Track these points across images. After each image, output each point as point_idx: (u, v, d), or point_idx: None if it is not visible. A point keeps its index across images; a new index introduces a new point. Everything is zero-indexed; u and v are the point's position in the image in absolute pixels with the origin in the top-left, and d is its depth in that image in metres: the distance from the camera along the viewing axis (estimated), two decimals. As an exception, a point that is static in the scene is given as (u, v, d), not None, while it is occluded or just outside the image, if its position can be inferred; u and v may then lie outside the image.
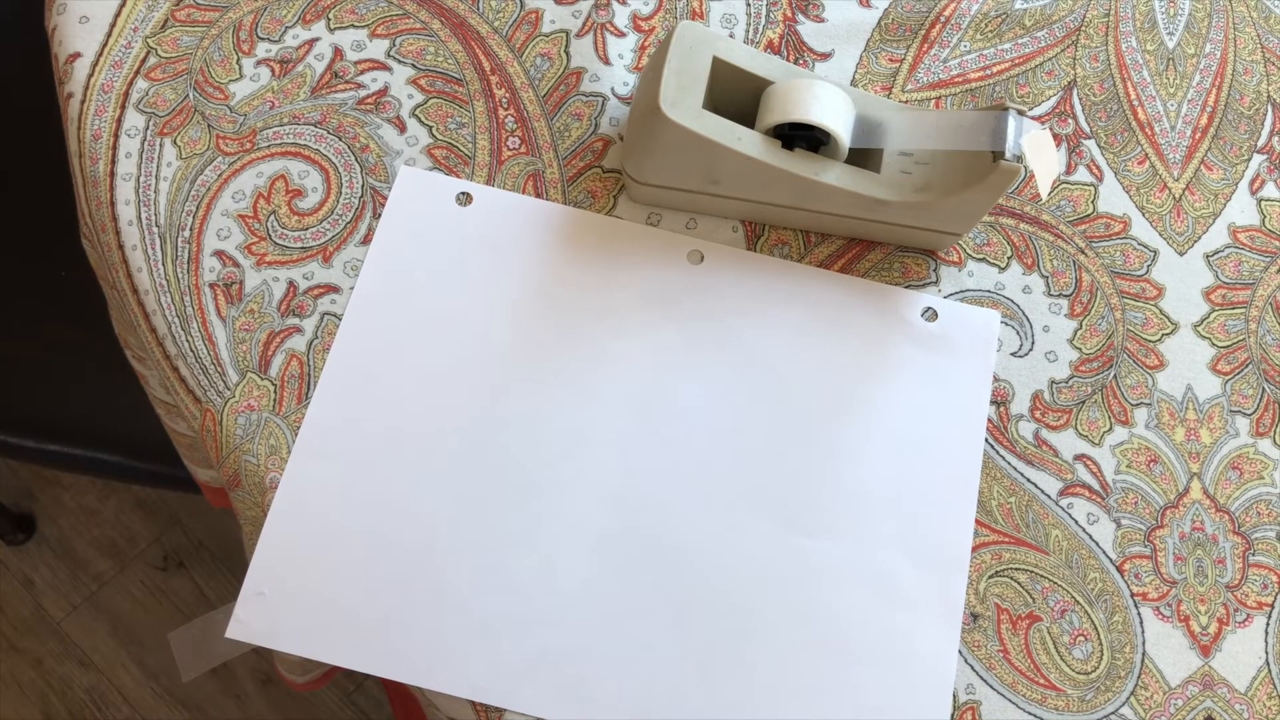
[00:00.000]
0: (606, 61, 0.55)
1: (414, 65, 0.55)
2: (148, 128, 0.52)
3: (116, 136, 0.52)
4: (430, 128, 0.53)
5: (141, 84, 0.53)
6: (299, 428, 0.47)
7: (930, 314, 0.52)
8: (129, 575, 1.20)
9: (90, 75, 0.53)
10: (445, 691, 0.44)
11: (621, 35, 0.56)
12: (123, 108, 0.53)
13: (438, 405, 0.48)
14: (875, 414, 0.50)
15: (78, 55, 0.54)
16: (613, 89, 0.55)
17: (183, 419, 0.58)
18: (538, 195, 0.52)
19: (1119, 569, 0.48)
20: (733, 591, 0.46)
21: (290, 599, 0.45)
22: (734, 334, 0.50)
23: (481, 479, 0.47)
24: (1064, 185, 0.55)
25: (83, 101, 0.53)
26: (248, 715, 1.15)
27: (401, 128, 0.53)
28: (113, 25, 0.54)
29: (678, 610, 0.46)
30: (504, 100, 0.54)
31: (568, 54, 0.55)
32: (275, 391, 0.48)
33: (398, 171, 0.52)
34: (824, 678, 0.46)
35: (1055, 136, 0.56)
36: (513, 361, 0.49)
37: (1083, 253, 0.54)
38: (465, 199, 0.52)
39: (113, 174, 0.52)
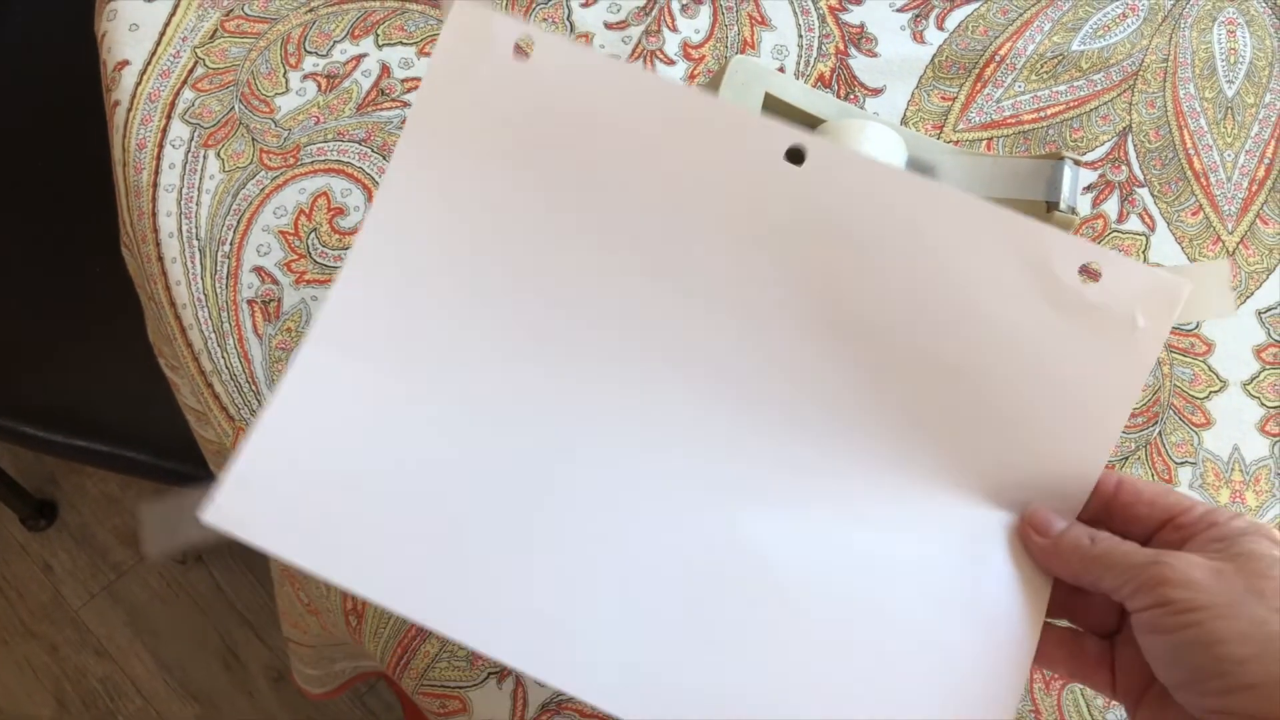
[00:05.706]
0: (655, 89, 0.55)
1: (461, 86, 0.54)
2: (192, 139, 0.52)
3: (161, 147, 0.52)
4: (475, 150, 0.53)
5: (188, 94, 0.53)
6: (332, 451, 0.47)
7: (1089, 274, 0.36)
8: (147, 566, 1.21)
9: (138, 84, 0.53)
10: (423, 623, 0.38)
11: (671, 63, 0.55)
12: (168, 118, 0.53)
13: (482, 329, 0.41)
14: (979, 391, 0.37)
15: (126, 63, 0.53)
16: (660, 117, 0.54)
17: (212, 427, 0.58)
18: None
19: (1158, 633, 0.47)
20: (767, 575, 0.38)
21: (276, 495, 0.39)
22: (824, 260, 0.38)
23: (517, 418, 0.40)
24: (1115, 233, 0.54)
25: (129, 110, 0.53)
26: (259, 711, 1.15)
27: (446, 149, 0.53)
28: (162, 34, 0.54)
29: (695, 581, 0.38)
30: (550, 125, 0.53)
31: (616, 80, 0.55)
32: (309, 413, 0.48)
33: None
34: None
35: (1109, 184, 0.55)
36: (566, 295, 0.40)
37: (1132, 304, 0.53)
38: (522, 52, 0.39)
39: (155, 184, 0.51)
